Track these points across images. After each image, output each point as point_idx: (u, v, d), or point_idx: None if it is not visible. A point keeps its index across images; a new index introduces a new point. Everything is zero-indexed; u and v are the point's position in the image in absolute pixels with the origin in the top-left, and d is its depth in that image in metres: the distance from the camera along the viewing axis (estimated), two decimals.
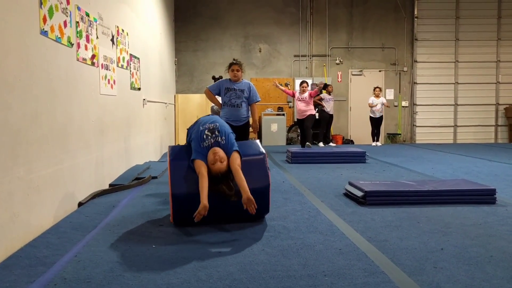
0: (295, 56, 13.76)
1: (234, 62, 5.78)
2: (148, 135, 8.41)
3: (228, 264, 2.98)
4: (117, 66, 6.19)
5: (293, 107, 13.66)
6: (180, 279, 2.73)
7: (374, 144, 12.51)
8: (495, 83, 13.99)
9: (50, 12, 3.94)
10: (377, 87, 12.31)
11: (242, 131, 5.66)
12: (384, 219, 4.20)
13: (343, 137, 13.64)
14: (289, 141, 13.46)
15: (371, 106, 12.20)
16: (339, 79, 13.85)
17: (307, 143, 10.15)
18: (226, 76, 5.96)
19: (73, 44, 4.51)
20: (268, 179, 4.00)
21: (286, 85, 13.65)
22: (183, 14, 13.35)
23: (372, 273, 2.82)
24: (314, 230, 3.80)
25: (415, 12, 13.73)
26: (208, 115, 4.46)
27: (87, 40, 4.94)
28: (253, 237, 3.56)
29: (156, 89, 9.53)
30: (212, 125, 4.03)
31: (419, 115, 14.02)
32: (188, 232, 3.69)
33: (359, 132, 13.84)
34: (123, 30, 6.56)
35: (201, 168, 3.76)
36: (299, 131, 11.65)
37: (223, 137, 3.94)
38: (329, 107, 12.01)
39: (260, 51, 13.69)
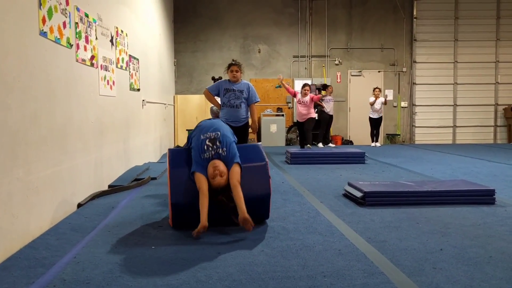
0: (294, 56, 13.77)
1: (233, 63, 5.78)
2: (147, 136, 8.41)
3: (228, 265, 2.98)
4: (116, 67, 6.19)
5: (293, 107, 13.67)
6: (180, 280, 2.73)
7: (373, 144, 12.51)
8: (494, 84, 14.00)
9: (50, 13, 3.94)
10: (376, 88, 12.30)
11: (241, 132, 5.66)
12: (383, 219, 4.20)
13: (342, 138, 13.65)
14: (289, 142, 13.46)
15: (372, 104, 12.15)
16: (338, 80, 13.85)
17: (308, 145, 10.17)
18: (226, 77, 5.96)
19: (72, 45, 4.51)
20: (269, 188, 3.94)
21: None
22: (183, 15, 13.35)
23: (372, 273, 2.82)
24: (313, 231, 3.81)
25: (414, 13, 13.75)
26: (209, 119, 4.38)
27: (86, 41, 4.94)
28: (253, 238, 3.56)
29: (155, 90, 9.53)
30: (214, 134, 3.89)
31: (418, 116, 14.02)
32: (187, 233, 3.68)
33: (358, 132, 13.84)
34: (122, 31, 6.56)
35: (202, 184, 3.65)
36: (298, 132, 11.65)
37: (224, 148, 3.80)
38: (329, 107, 12.01)
39: (259, 52, 13.69)
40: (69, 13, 4.41)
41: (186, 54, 13.47)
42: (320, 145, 11.64)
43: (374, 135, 12.56)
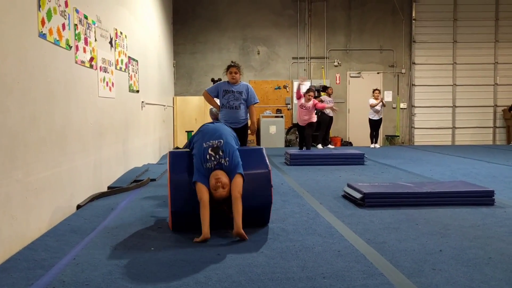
0: (293, 58, 13.78)
1: (232, 64, 5.79)
2: (146, 137, 8.41)
3: (227, 266, 2.98)
4: (116, 68, 6.19)
5: (292, 109, 13.68)
6: (179, 281, 2.72)
7: (372, 146, 12.52)
8: (493, 85, 14.02)
9: (49, 14, 3.94)
10: (376, 89, 12.29)
11: (240, 133, 5.66)
12: (382, 221, 4.20)
13: (342, 139, 13.65)
14: (288, 143, 13.46)
15: (372, 106, 12.13)
16: (338, 81, 13.86)
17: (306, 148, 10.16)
18: (225, 78, 5.96)
19: (71, 46, 4.51)
20: (270, 197, 3.88)
21: (285, 87, 13.68)
22: (182, 17, 13.36)
23: (371, 275, 2.82)
24: (312, 232, 3.80)
25: (413, 14, 13.77)
26: (212, 122, 4.26)
27: (86, 42, 4.94)
28: (252, 240, 3.55)
29: (154, 91, 9.53)
30: (217, 142, 3.76)
31: (417, 117, 14.03)
32: (186, 235, 3.68)
33: (357, 134, 13.85)
34: (121, 33, 6.56)
35: (203, 194, 3.57)
36: (297, 133, 11.64)
37: (227, 158, 3.68)
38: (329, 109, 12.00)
39: (258, 54, 13.70)
40: (68, 15, 4.42)
41: (185, 56, 13.48)
42: (320, 146, 11.64)
43: (374, 137, 12.57)
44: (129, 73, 7.02)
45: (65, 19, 4.33)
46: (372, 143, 12.57)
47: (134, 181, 6.16)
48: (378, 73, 13.93)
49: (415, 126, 14.04)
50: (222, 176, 3.60)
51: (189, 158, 3.89)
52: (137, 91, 7.60)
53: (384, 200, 4.82)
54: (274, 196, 5.14)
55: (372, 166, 8.31)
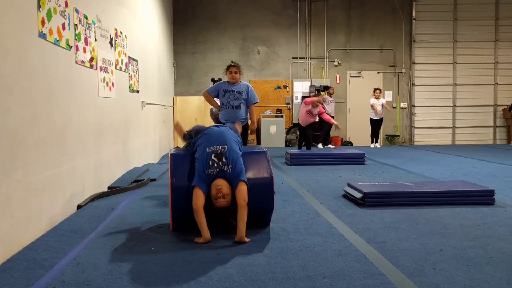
0: (293, 58, 13.78)
1: (232, 64, 5.80)
2: (146, 137, 8.41)
3: (227, 266, 2.98)
4: (116, 68, 6.19)
5: (292, 109, 13.68)
6: (179, 281, 2.72)
7: (373, 146, 12.51)
8: (493, 85, 14.02)
9: (49, 14, 3.94)
10: (377, 89, 12.29)
11: (241, 133, 5.66)
12: (383, 220, 4.20)
13: (342, 139, 13.65)
14: (288, 143, 13.46)
15: (373, 106, 12.12)
16: (338, 81, 13.86)
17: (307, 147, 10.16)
18: (225, 78, 5.97)
19: (71, 46, 4.51)
20: (272, 204, 3.84)
21: (285, 87, 13.68)
22: (182, 17, 13.36)
23: (371, 274, 2.82)
24: (313, 232, 3.80)
25: (413, 14, 13.76)
26: (216, 125, 4.14)
27: (86, 42, 4.94)
28: (252, 239, 3.55)
29: (154, 91, 9.53)
30: (220, 148, 3.67)
31: (417, 117, 14.03)
32: (186, 235, 3.68)
33: (358, 133, 13.85)
34: (121, 33, 6.56)
35: (197, 201, 3.50)
36: (297, 132, 11.64)
37: (230, 165, 3.59)
38: (330, 109, 12.01)
39: (258, 53, 13.70)
40: (68, 15, 4.42)
41: (185, 56, 13.48)
42: (320, 146, 11.65)
43: (374, 136, 12.56)
44: (129, 73, 7.02)
45: (65, 19, 4.33)
46: (372, 142, 12.57)
47: (135, 181, 6.16)
48: (378, 72, 13.93)
49: (415, 126, 14.04)
50: (224, 186, 3.53)
51: (191, 161, 3.82)
52: (137, 91, 7.60)
53: (385, 199, 4.82)
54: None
55: (372, 166, 8.31)
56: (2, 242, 3.11)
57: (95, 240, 3.59)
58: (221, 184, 3.53)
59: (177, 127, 4.66)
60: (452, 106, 14.03)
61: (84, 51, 4.90)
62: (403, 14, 13.79)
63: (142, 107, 7.94)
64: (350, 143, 13.68)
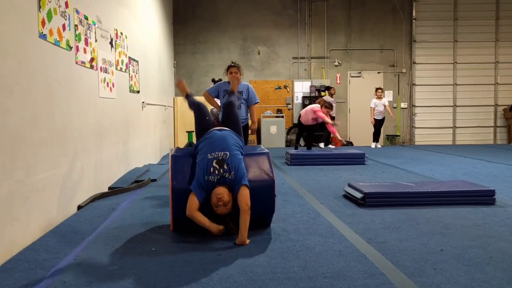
0: (293, 58, 13.77)
1: (232, 64, 5.79)
2: (147, 137, 8.41)
3: (228, 266, 2.98)
4: (116, 69, 6.20)
5: (292, 109, 13.67)
6: (180, 281, 2.73)
7: (373, 146, 12.51)
8: (494, 84, 14.01)
9: (49, 15, 3.94)
10: (379, 88, 12.26)
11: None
12: (383, 220, 4.20)
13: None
14: (288, 143, 13.46)
15: (373, 111, 12.12)
16: (338, 81, 13.86)
17: (307, 148, 10.15)
18: (225, 78, 5.97)
19: (72, 47, 4.51)
20: (273, 207, 3.83)
21: (285, 87, 13.67)
22: (182, 17, 13.37)
23: (372, 274, 2.82)
24: (313, 232, 3.80)
25: (413, 14, 13.76)
26: (219, 129, 4.01)
27: (86, 43, 4.95)
28: (253, 240, 3.55)
29: (155, 91, 9.53)
30: (222, 154, 3.63)
31: (418, 117, 14.03)
32: (187, 235, 3.68)
33: (358, 133, 13.84)
34: (121, 33, 6.57)
35: (190, 207, 3.50)
36: (298, 131, 11.60)
37: (232, 172, 3.56)
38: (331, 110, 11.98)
39: (258, 54, 13.70)
40: (69, 15, 4.42)
41: (185, 56, 13.48)
42: (321, 145, 11.65)
43: (376, 136, 12.54)
44: (129, 74, 7.02)
45: (66, 19, 4.33)
46: (373, 141, 12.56)
47: (135, 182, 6.16)
48: (378, 72, 13.93)
49: (416, 126, 14.03)
50: (225, 194, 3.51)
51: (192, 162, 3.80)
52: (138, 92, 7.60)
53: (385, 199, 4.82)
54: None
55: (372, 166, 8.31)
56: (2, 242, 3.11)
57: (95, 240, 3.59)
58: (222, 193, 3.51)
59: (179, 85, 4.65)
60: (452, 106, 14.03)
61: (85, 51, 4.90)
62: (403, 14, 13.79)
63: (142, 107, 7.94)
64: (351, 143, 13.67)
